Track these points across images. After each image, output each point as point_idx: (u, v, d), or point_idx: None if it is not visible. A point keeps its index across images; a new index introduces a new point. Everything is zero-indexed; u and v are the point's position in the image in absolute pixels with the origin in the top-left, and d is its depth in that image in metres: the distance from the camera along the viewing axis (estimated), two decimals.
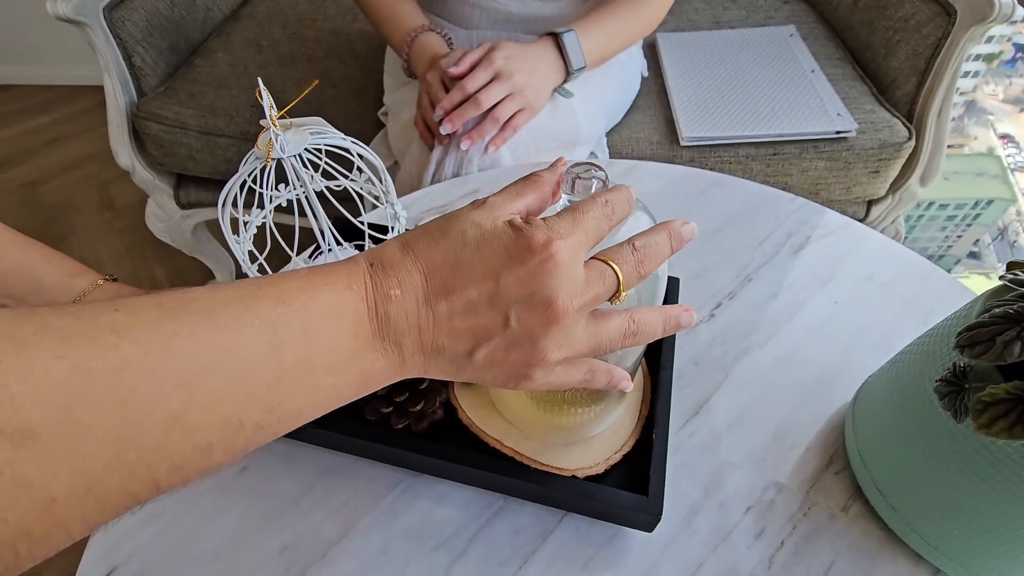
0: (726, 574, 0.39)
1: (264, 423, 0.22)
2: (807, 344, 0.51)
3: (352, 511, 0.42)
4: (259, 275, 0.40)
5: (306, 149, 0.32)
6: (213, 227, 1.24)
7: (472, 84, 0.64)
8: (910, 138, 0.91)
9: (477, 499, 0.42)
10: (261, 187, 0.32)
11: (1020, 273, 0.32)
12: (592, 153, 0.85)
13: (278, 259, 0.41)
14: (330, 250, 0.41)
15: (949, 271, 0.57)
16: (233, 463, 0.23)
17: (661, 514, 0.36)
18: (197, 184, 1.10)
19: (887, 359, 0.41)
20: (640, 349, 0.37)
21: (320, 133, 0.32)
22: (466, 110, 0.65)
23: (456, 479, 0.41)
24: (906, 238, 1.17)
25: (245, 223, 0.33)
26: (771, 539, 0.40)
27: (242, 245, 0.36)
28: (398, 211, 0.40)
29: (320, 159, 0.37)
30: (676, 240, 0.29)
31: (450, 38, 0.77)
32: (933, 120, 0.94)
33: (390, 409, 0.39)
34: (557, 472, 0.38)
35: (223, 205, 0.33)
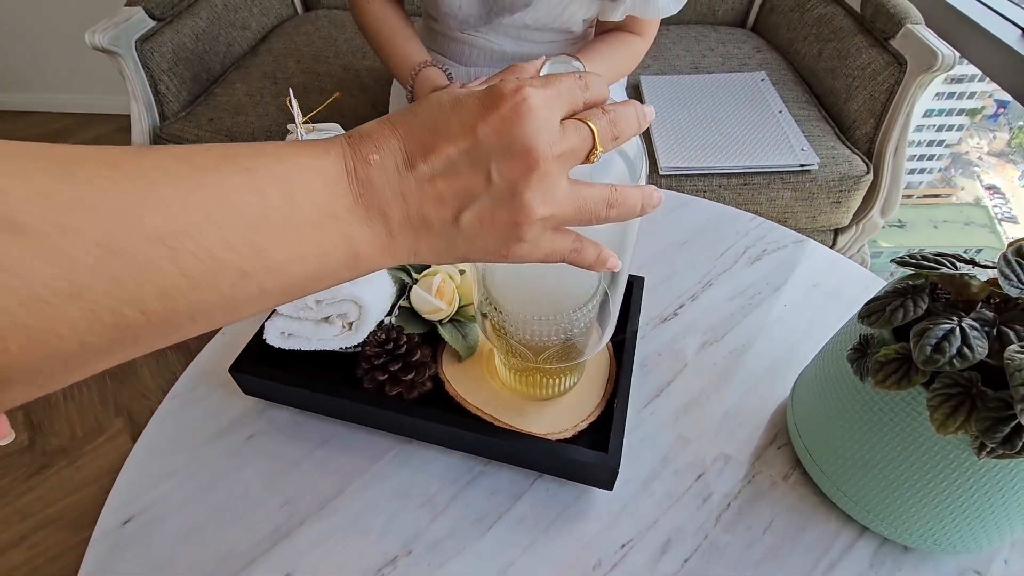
0: (677, 530, 0.44)
1: (249, 269, 0.22)
2: (758, 340, 0.57)
3: (347, 473, 0.47)
4: None
5: None
6: None
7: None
8: (868, 172, 1.00)
9: (460, 464, 0.47)
10: None
11: (919, 259, 0.39)
12: None
13: None
14: None
15: None
16: (226, 321, 0.23)
17: (618, 469, 0.42)
18: None
19: None
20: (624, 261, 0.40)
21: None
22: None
23: (442, 443, 0.47)
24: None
25: None
26: (718, 502, 0.45)
27: None
28: None
29: None
30: (641, 116, 0.28)
31: (450, 73, 0.86)
32: (890, 157, 1.02)
33: (385, 377, 0.45)
34: (536, 436, 0.44)
35: None
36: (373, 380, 0.45)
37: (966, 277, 0.33)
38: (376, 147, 0.24)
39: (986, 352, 0.30)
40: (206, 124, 1.08)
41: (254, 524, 0.44)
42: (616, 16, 0.82)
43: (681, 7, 0.83)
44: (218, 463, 0.48)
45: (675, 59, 1.28)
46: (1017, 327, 0.31)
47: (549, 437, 0.44)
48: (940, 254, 0.36)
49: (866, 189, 1.02)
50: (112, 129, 2.10)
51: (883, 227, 1.10)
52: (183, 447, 0.48)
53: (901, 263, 0.36)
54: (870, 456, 0.39)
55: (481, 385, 0.48)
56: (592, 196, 0.27)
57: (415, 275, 0.49)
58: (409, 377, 0.45)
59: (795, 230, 1.05)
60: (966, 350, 0.30)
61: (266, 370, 0.47)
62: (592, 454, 0.42)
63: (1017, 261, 0.32)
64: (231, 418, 0.50)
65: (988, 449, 0.31)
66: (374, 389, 0.45)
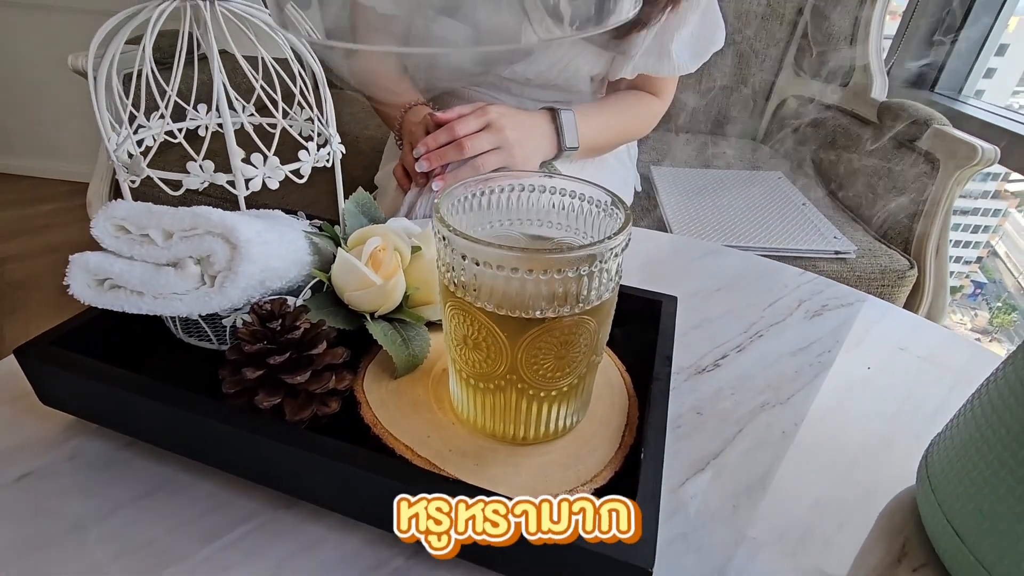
0: None
1: None
2: (842, 408, 0.39)
3: (159, 556, 0.26)
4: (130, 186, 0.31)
5: (225, 7, 0.26)
6: None
7: (461, 128, 0.62)
8: (912, 268, 0.87)
9: (368, 550, 0.27)
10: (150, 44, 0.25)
11: None
12: None
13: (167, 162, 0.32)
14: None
15: None
16: None
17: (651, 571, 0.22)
18: None
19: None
20: None
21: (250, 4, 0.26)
22: (447, 152, 0.61)
23: (342, 508, 0.27)
24: None
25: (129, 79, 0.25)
26: None
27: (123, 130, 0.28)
28: (334, 143, 0.32)
29: (256, 80, 0.30)
30: None
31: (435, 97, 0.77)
32: (932, 256, 0.91)
33: (259, 376, 0.26)
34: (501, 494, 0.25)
35: (97, 51, 0.25)
36: (239, 382, 0.27)
37: None
38: None
39: None
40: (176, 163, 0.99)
41: None
42: (627, 73, 0.76)
43: (700, 64, 0.77)
44: None
45: (687, 156, 1.24)
46: None
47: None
48: None
49: (911, 286, 0.89)
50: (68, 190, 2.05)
51: None
52: None
53: None
54: None
55: (423, 415, 0.29)
56: None
57: (347, 246, 0.33)
58: (300, 382, 0.27)
59: None
60: None
61: (76, 359, 0.29)
62: (603, 550, 0.22)
63: None
64: (7, 445, 0.31)
65: None
66: (239, 399, 0.27)
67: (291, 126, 0.36)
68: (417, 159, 0.62)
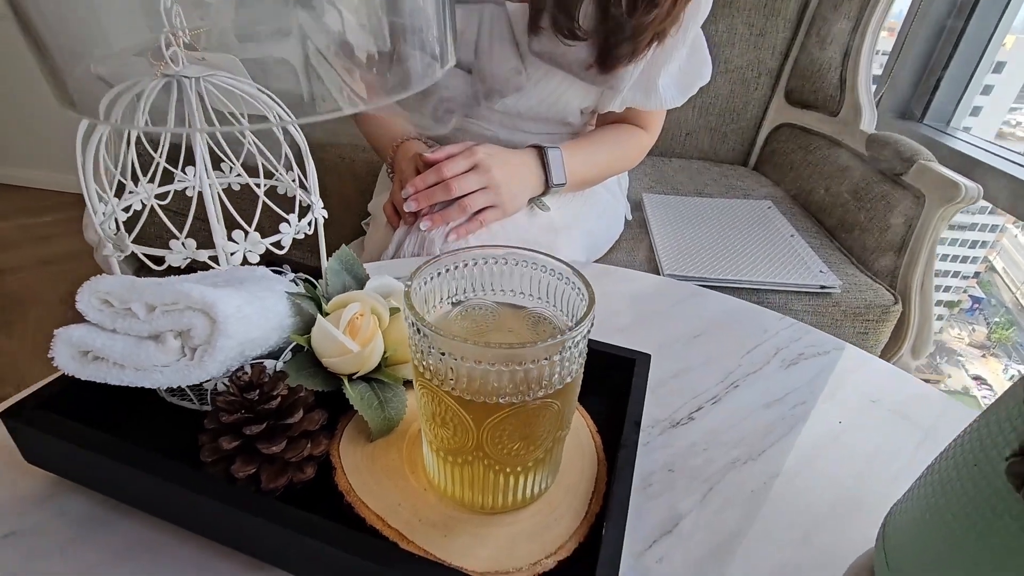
0: None
1: None
2: (810, 464, 0.40)
3: None
4: (117, 254, 0.32)
5: (210, 83, 0.27)
6: None
7: (449, 169, 0.63)
8: (896, 303, 0.89)
9: None
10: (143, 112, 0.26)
11: None
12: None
13: (152, 238, 0.33)
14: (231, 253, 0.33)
15: None
16: None
17: None
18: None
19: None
20: None
21: (232, 73, 0.28)
22: (435, 192, 0.62)
23: (312, 574, 0.28)
24: None
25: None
26: None
27: (106, 202, 0.29)
28: (316, 210, 0.33)
29: (244, 137, 0.31)
30: None
31: (435, 147, 0.79)
32: (916, 291, 0.92)
33: (236, 446, 0.27)
34: (460, 572, 0.25)
35: (85, 133, 0.27)
36: (216, 450, 0.28)
37: None
38: None
39: None
40: None
41: None
42: (615, 106, 0.77)
43: (686, 99, 0.78)
44: None
45: (678, 184, 1.25)
46: None
47: None
48: None
49: (895, 321, 0.90)
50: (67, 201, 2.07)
51: (912, 370, 0.96)
52: None
53: None
54: None
55: (395, 482, 0.30)
56: None
57: (327, 309, 0.34)
58: (276, 451, 0.28)
59: None
60: None
61: (60, 422, 0.30)
62: None
63: None
64: None
65: None
66: (216, 467, 0.28)
67: (278, 185, 0.37)
68: (406, 199, 0.63)
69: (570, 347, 0.24)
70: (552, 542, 0.28)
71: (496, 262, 0.30)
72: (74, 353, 0.27)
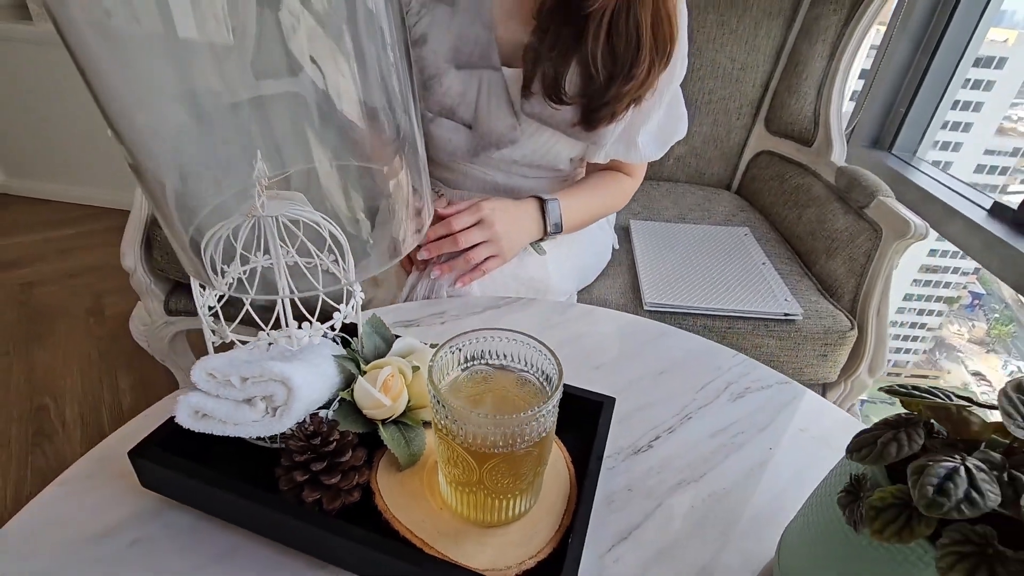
0: None
1: None
2: (741, 485, 0.50)
3: None
4: (215, 336, 0.42)
5: (285, 216, 0.37)
6: (192, 337, 1.26)
7: (456, 223, 0.73)
8: (853, 328, 0.99)
9: None
10: (237, 242, 0.37)
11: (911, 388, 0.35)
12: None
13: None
14: (288, 326, 0.44)
15: None
16: None
17: None
18: (189, 293, 1.15)
19: None
20: None
21: (299, 207, 0.38)
22: (443, 244, 0.73)
23: (362, 571, 0.38)
24: None
25: (221, 271, 0.37)
26: None
27: (206, 297, 0.39)
28: (356, 291, 0.44)
29: (299, 232, 0.42)
30: None
31: (442, 193, 0.89)
32: (873, 316, 1.03)
33: (305, 479, 0.38)
34: (466, 570, 0.36)
35: (203, 251, 0.37)
36: (291, 481, 0.38)
37: (966, 413, 0.29)
38: None
39: (999, 500, 0.25)
40: None
41: None
42: (599, 159, 0.87)
43: (664, 152, 0.88)
44: (87, 572, 0.39)
45: (663, 210, 1.35)
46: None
47: (491, 574, 0.37)
48: (933, 388, 0.33)
49: (851, 345, 1.00)
50: (122, 224, 2.17)
51: (870, 387, 1.07)
52: (49, 546, 0.40)
53: (889, 391, 0.32)
54: None
55: (418, 502, 0.41)
56: None
57: (364, 367, 0.45)
58: (334, 481, 0.38)
59: None
60: (975, 494, 0.25)
61: (171, 459, 0.40)
62: None
63: (1019, 398, 0.29)
64: (120, 516, 0.42)
65: None
66: (290, 493, 0.38)
67: (325, 269, 0.47)
68: (418, 248, 0.73)
69: (542, 415, 0.35)
70: (534, 548, 0.39)
71: (493, 339, 0.41)
72: (190, 412, 0.38)
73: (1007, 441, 0.29)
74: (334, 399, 0.44)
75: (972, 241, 1.03)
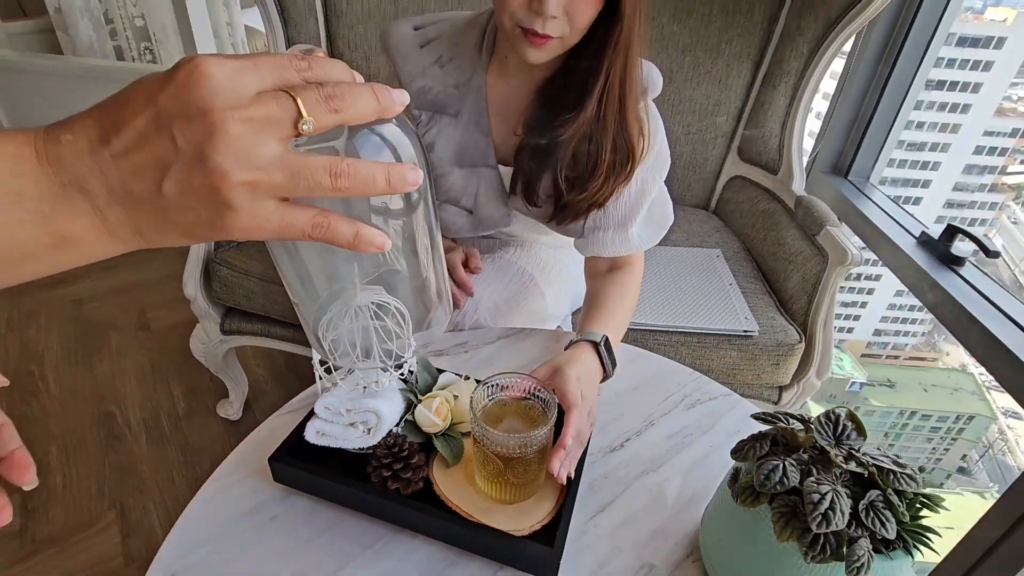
0: None
1: None
2: (686, 473, 0.71)
3: (349, 553, 0.58)
4: (325, 379, 0.62)
5: (373, 301, 0.57)
6: (241, 352, 1.46)
7: (586, 436, 0.67)
8: (800, 341, 1.19)
9: (438, 553, 0.59)
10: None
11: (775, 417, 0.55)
12: (558, 327, 1.11)
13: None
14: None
15: (941, 485, 0.69)
16: None
17: (559, 564, 0.54)
18: (242, 317, 1.35)
19: None
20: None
21: (379, 293, 0.57)
22: (575, 452, 0.65)
23: (426, 532, 0.59)
24: (892, 446, 1.37)
25: (330, 339, 0.57)
26: None
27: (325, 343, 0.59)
28: (413, 343, 0.64)
29: (386, 308, 0.62)
30: (381, 95, 0.28)
31: (455, 239, 1.08)
32: (820, 330, 1.22)
33: (388, 474, 0.58)
34: (498, 530, 0.56)
35: (323, 324, 0.56)
36: (379, 476, 0.59)
37: (794, 430, 0.49)
38: (70, 128, 0.25)
39: (798, 481, 0.45)
40: (256, 254, 1.30)
41: None
42: (587, 253, 0.91)
43: (659, 240, 0.92)
44: (245, 537, 0.59)
45: None
46: (819, 466, 0.46)
47: (513, 533, 0.57)
48: (787, 413, 0.53)
49: (800, 355, 1.20)
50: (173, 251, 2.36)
51: (818, 387, 1.27)
52: (219, 521, 0.60)
53: (756, 417, 0.53)
54: (749, 562, 0.52)
55: (462, 488, 0.61)
56: (309, 163, 0.27)
57: (420, 396, 0.65)
58: (407, 476, 0.59)
59: (744, 385, 1.22)
60: (785, 479, 0.45)
61: (296, 462, 0.60)
62: (541, 549, 0.54)
63: (824, 423, 0.49)
64: (260, 500, 0.63)
65: (809, 555, 0.45)
66: (378, 484, 0.59)
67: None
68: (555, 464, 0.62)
69: (544, 432, 0.55)
70: (540, 516, 0.59)
71: (510, 379, 0.61)
72: (314, 433, 0.58)
73: (817, 448, 0.49)
74: (402, 419, 0.64)
75: (904, 270, 1.23)
